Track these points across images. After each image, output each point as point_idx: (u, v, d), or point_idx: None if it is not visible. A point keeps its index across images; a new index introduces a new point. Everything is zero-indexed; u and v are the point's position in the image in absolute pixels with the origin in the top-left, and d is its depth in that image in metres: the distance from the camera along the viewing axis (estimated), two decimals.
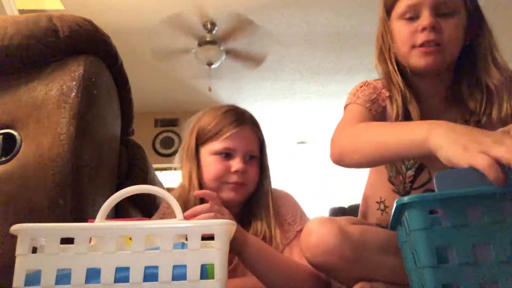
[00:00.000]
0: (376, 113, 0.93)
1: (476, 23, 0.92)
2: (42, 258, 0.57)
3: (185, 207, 0.90)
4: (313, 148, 6.13)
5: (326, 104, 4.94)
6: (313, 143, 6.03)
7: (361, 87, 0.98)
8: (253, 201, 1.07)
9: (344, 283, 0.91)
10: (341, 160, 0.83)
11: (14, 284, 0.55)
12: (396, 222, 0.64)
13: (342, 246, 0.81)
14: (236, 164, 1.02)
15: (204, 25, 3.37)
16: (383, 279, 0.86)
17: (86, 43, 0.99)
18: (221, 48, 3.49)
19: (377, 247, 0.86)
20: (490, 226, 0.52)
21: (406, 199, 0.55)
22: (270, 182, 1.10)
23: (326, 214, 3.75)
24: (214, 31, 3.42)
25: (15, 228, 0.57)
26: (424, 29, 0.87)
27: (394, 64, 0.93)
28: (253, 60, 3.74)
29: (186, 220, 0.80)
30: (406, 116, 0.91)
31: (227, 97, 4.65)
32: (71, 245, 0.58)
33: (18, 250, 0.57)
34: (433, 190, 1.00)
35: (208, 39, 3.41)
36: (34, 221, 0.60)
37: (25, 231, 0.57)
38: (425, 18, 0.87)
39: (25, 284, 0.55)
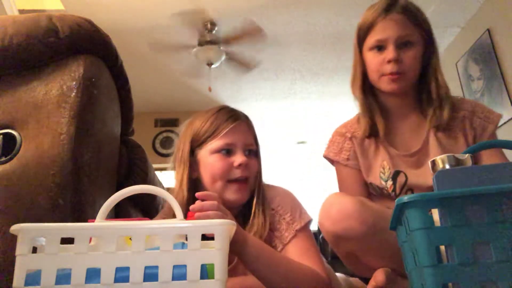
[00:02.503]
0: (349, 162, 1.17)
1: (430, 50, 1.12)
2: (42, 258, 0.57)
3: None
4: (313, 148, 6.13)
5: (326, 104, 4.94)
6: (313, 143, 6.03)
7: (332, 137, 1.23)
8: (252, 198, 1.07)
9: (362, 260, 0.95)
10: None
11: (14, 284, 0.55)
12: (396, 222, 0.64)
13: (363, 212, 0.89)
14: (238, 158, 1.02)
15: (204, 25, 3.37)
16: (398, 260, 0.87)
17: (86, 43, 0.99)
18: (221, 48, 3.49)
19: None
20: (490, 226, 0.52)
21: (406, 198, 0.55)
22: (262, 177, 1.11)
23: None
24: (214, 31, 3.42)
25: (15, 228, 0.57)
26: (389, 61, 1.06)
27: (361, 90, 1.15)
28: (246, 64, 3.76)
29: (191, 214, 0.81)
30: (372, 128, 1.13)
31: (227, 97, 4.65)
32: (71, 245, 0.58)
33: (18, 250, 0.57)
34: (411, 189, 1.10)
35: (208, 39, 3.41)
36: (34, 221, 0.60)
37: (25, 231, 0.57)
38: (390, 52, 1.06)
39: (25, 284, 0.55)
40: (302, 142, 6.07)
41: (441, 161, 0.62)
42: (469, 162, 0.61)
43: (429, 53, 1.12)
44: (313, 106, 5.01)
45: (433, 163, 0.63)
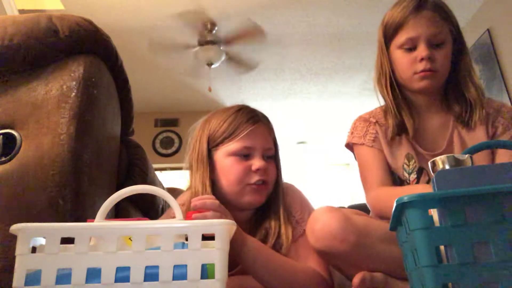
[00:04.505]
0: (375, 144, 1.12)
1: (459, 47, 1.10)
2: (42, 258, 0.57)
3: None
4: (313, 148, 6.12)
5: (326, 104, 4.94)
6: (313, 143, 6.03)
7: (354, 124, 1.18)
8: (268, 202, 1.04)
9: (347, 273, 0.93)
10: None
11: (14, 284, 0.55)
12: (396, 222, 0.64)
13: (345, 230, 0.86)
14: (256, 162, 0.99)
15: (204, 25, 3.37)
16: (386, 271, 0.87)
17: (86, 43, 0.99)
18: (221, 48, 3.49)
19: (380, 236, 0.88)
20: (490, 226, 0.52)
21: (406, 198, 0.55)
22: (282, 182, 1.08)
23: None
24: (214, 31, 3.42)
25: (15, 228, 0.57)
26: (422, 59, 1.03)
27: (389, 88, 1.11)
28: (245, 65, 3.77)
29: (190, 214, 0.81)
30: (401, 127, 1.09)
31: (227, 97, 4.65)
32: (71, 245, 0.58)
33: (18, 250, 0.57)
34: None
35: (208, 39, 3.41)
36: (34, 221, 0.60)
37: (25, 231, 0.57)
38: (423, 50, 1.03)
39: (25, 284, 0.55)
40: (302, 142, 6.07)
41: (441, 161, 0.62)
42: (469, 162, 0.61)
43: (457, 49, 1.10)
44: (313, 106, 5.01)
45: (433, 163, 0.63)
